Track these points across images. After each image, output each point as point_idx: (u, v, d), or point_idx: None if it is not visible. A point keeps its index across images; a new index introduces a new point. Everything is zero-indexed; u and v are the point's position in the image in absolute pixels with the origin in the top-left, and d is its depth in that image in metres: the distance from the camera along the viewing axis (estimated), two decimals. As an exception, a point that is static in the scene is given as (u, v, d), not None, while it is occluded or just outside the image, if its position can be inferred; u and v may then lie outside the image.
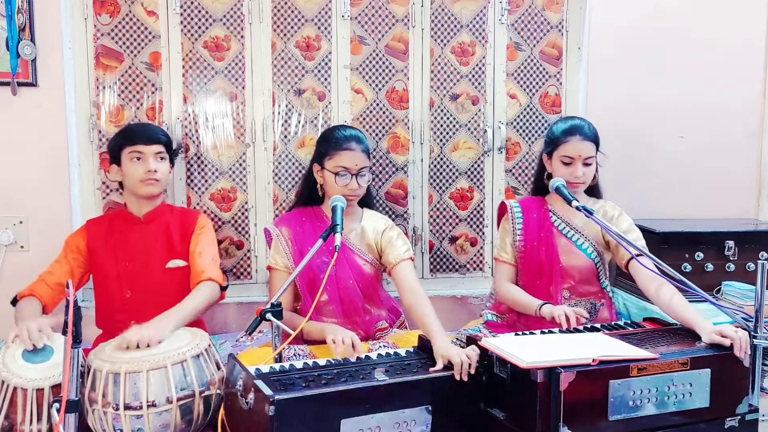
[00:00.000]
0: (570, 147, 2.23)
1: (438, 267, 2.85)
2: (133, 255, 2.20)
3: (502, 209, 2.43)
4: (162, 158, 2.21)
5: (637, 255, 2.08)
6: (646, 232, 2.44)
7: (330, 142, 2.21)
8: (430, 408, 1.65)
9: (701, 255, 2.52)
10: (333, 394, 1.56)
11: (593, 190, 2.37)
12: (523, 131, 2.84)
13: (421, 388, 1.66)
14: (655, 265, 2.02)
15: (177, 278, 2.19)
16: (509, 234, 2.36)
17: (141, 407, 1.66)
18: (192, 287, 2.13)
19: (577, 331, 2.02)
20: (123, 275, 2.19)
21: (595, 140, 2.27)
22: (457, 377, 1.69)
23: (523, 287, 2.31)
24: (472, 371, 1.70)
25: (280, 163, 2.68)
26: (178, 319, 1.95)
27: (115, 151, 2.21)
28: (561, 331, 2.00)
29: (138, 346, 1.77)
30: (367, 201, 2.34)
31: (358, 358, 1.84)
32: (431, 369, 1.72)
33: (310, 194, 2.29)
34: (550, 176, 2.31)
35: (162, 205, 2.28)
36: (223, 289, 2.18)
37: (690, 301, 2.03)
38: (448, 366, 1.71)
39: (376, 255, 2.26)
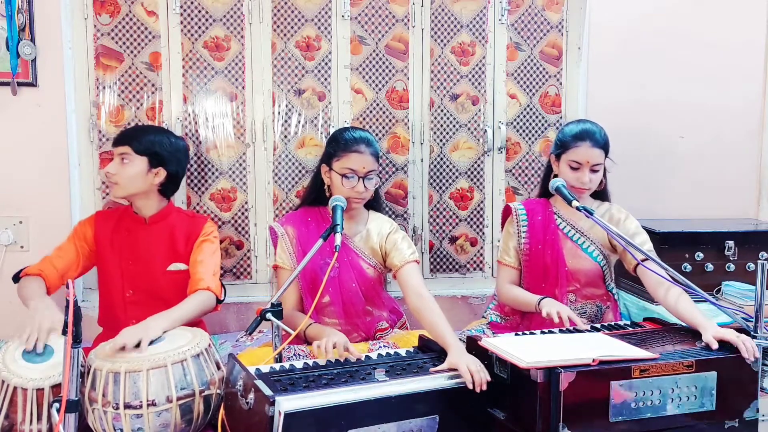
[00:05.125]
0: (579, 152, 2.20)
1: (438, 267, 2.85)
2: (137, 255, 2.20)
3: (506, 212, 2.40)
4: (126, 160, 2.15)
5: (643, 260, 2.07)
6: (646, 232, 2.43)
7: (339, 143, 2.19)
8: (437, 418, 1.64)
9: (701, 255, 2.52)
10: (340, 407, 1.53)
11: (600, 195, 2.35)
12: (523, 131, 2.84)
13: (430, 399, 1.64)
14: (662, 267, 2.01)
15: (178, 281, 2.19)
16: (513, 237, 2.33)
17: (141, 406, 1.66)
18: (189, 293, 2.10)
19: (577, 331, 2.01)
20: (126, 274, 2.19)
21: (605, 147, 2.23)
22: (470, 387, 1.66)
23: (528, 290, 2.28)
24: (479, 390, 1.67)
25: (280, 163, 2.68)
26: (170, 320, 1.92)
27: None
28: (561, 331, 2.00)
29: (125, 348, 1.75)
30: (373, 204, 2.32)
31: (358, 358, 1.83)
32: (432, 369, 1.72)
33: (317, 195, 2.27)
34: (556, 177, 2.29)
35: (168, 206, 2.27)
36: (219, 302, 2.15)
37: (690, 301, 2.04)
38: (453, 369, 1.70)
39: (380, 259, 2.24)
